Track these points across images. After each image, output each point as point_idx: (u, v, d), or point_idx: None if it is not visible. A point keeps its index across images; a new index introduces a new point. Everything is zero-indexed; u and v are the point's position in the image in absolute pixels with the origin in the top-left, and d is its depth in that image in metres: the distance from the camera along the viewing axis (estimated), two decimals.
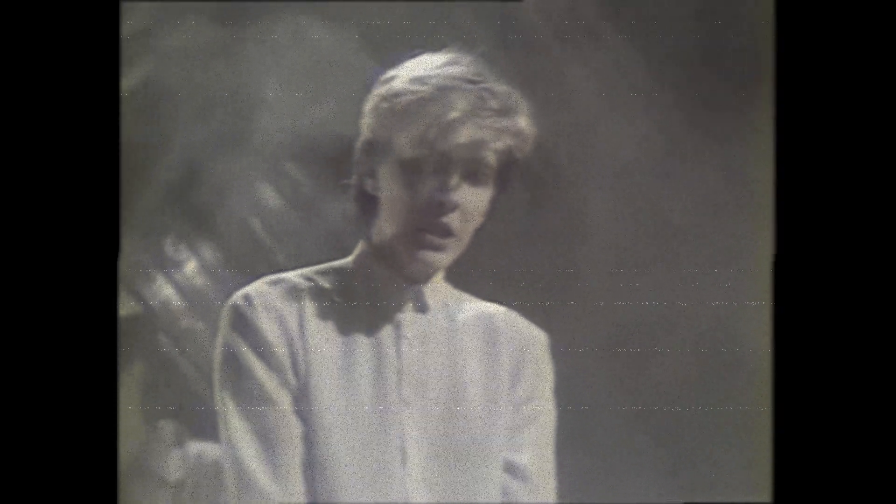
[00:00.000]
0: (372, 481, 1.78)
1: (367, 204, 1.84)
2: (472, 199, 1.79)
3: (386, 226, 1.81)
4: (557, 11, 2.08)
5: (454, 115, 1.75)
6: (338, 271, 1.86)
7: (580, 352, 1.98)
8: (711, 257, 2.08)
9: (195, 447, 2.10)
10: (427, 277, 1.84)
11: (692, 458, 2.10)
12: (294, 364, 1.80)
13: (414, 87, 1.77)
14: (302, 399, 1.79)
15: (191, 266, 2.14)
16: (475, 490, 1.82)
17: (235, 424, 1.78)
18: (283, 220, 2.16)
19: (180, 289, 2.12)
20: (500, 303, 1.91)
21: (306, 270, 1.86)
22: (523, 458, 1.85)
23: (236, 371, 1.79)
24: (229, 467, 1.77)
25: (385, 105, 1.80)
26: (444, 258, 1.81)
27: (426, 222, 1.78)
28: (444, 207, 1.77)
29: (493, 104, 1.76)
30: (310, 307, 1.82)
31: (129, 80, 2.03)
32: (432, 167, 1.77)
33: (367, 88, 1.82)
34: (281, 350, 1.79)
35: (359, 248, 1.87)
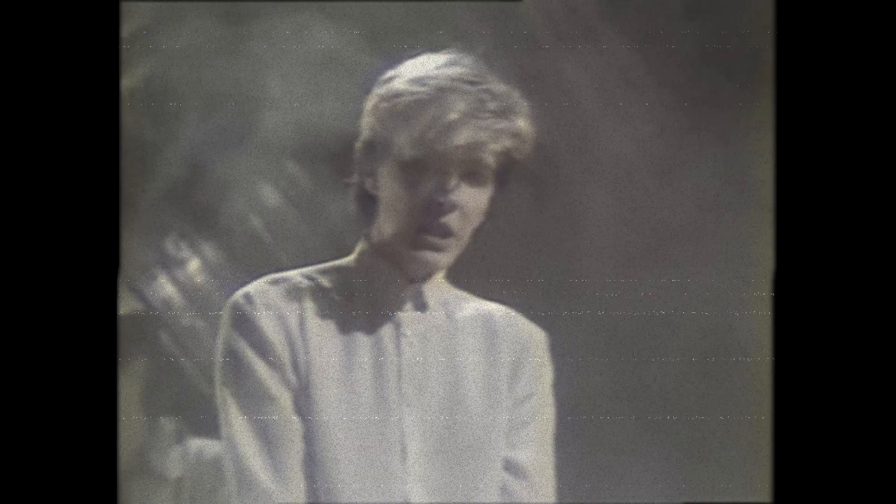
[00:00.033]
0: (372, 479, 1.79)
1: (368, 203, 1.84)
2: (472, 200, 1.79)
3: (386, 225, 1.81)
4: (557, 11, 2.08)
5: (453, 116, 1.75)
6: (339, 270, 1.87)
7: (580, 350, 1.99)
8: (711, 257, 2.08)
9: (195, 444, 2.11)
10: (427, 277, 1.85)
11: (692, 458, 2.10)
12: (294, 363, 1.80)
13: (413, 88, 1.78)
14: (302, 397, 1.79)
15: (192, 264, 2.14)
16: (474, 488, 1.83)
17: (236, 423, 1.78)
18: (285, 219, 2.16)
19: (182, 287, 2.13)
20: (500, 302, 1.91)
21: (307, 269, 1.87)
22: (523, 457, 1.85)
23: (237, 369, 1.80)
24: (230, 465, 1.78)
25: (385, 105, 1.80)
26: (443, 258, 1.81)
27: (426, 222, 1.78)
28: (444, 208, 1.77)
29: (493, 106, 1.77)
30: (310, 306, 1.83)
31: (131, 79, 2.03)
32: (431, 168, 1.77)
33: (367, 88, 1.82)
34: (281, 349, 1.80)
35: (359, 247, 1.87)
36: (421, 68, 1.80)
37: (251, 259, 2.09)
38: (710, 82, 2.06)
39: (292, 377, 1.80)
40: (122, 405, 1.96)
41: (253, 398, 1.79)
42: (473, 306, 1.90)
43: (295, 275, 1.86)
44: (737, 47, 2.04)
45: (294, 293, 1.83)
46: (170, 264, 2.13)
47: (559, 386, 1.90)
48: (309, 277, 1.85)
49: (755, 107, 2.02)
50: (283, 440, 1.77)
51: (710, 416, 2.08)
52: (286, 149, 2.13)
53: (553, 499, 1.87)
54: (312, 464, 1.78)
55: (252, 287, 1.83)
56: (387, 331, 1.84)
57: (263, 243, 2.15)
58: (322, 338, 1.81)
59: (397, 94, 1.79)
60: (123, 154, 1.98)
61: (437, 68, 1.79)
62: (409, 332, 1.84)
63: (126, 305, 2.07)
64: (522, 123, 1.79)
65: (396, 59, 1.82)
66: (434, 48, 1.81)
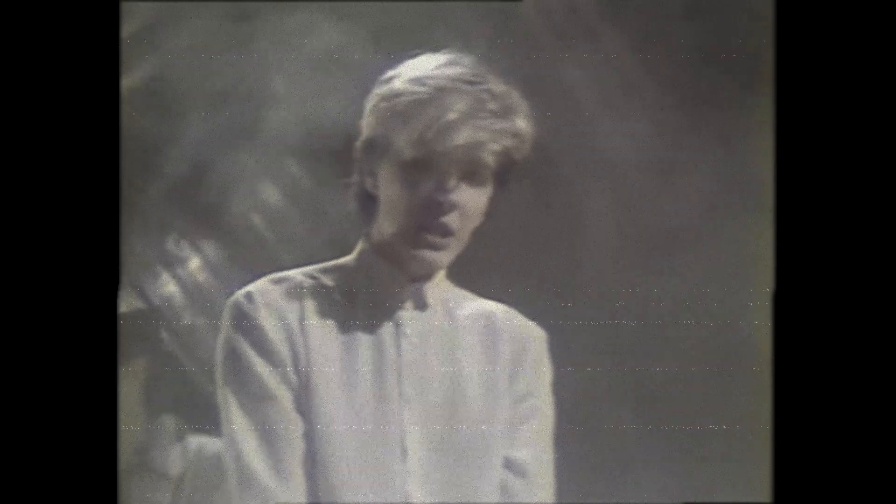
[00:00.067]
0: (372, 478, 1.79)
1: (368, 203, 1.84)
2: (471, 199, 1.79)
3: (386, 225, 1.82)
4: (557, 11, 2.08)
5: (452, 116, 1.75)
6: (340, 269, 1.87)
7: (579, 349, 1.99)
8: (711, 257, 2.08)
9: (196, 441, 2.11)
10: (427, 276, 1.85)
11: (692, 458, 2.10)
12: (295, 361, 1.80)
13: (413, 88, 1.78)
14: (303, 396, 1.80)
15: (194, 263, 2.15)
16: (475, 486, 1.83)
17: (237, 421, 1.78)
18: (287, 218, 2.16)
19: (183, 285, 2.13)
20: (501, 300, 1.91)
21: (309, 269, 1.87)
22: (522, 455, 1.86)
23: (238, 368, 1.80)
24: (230, 464, 1.78)
25: (384, 105, 1.80)
26: (443, 257, 1.82)
27: (425, 222, 1.78)
28: (443, 207, 1.77)
29: (492, 106, 1.77)
30: (311, 305, 1.83)
31: (133, 77, 2.03)
32: (431, 167, 1.77)
33: (371, 87, 1.83)
34: (282, 348, 1.80)
35: (359, 246, 1.87)
36: (420, 68, 1.80)
37: (252, 258, 2.10)
38: (710, 82, 2.05)
39: (293, 376, 1.80)
40: (123, 403, 1.96)
41: (254, 397, 1.79)
42: (474, 305, 1.90)
43: (297, 274, 1.86)
44: (737, 47, 2.03)
45: (296, 292, 1.83)
46: (171, 263, 2.14)
47: (559, 385, 1.90)
48: (311, 276, 1.86)
49: (755, 107, 2.02)
50: (283, 439, 1.78)
51: (709, 415, 2.08)
52: (288, 148, 2.13)
53: (553, 497, 1.87)
54: (313, 462, 1.78)
55: (254, 286, 1.83)
56: (387, 330, 1.84)
57: (265, 242, 2.15)
58: (323, 337, 1.82)
59: (397, 94, 1.79)
60: (125, 153, 1.98)
61: (437, 68, 1.79)
62: (409, 331, 1.84)
63: (127, 303, 2.07)
64: (522, 123, 1.79)
65: (400, 59, 1.82)
66: (436, 48, 1.81)
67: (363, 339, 1.83)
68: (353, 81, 1.90)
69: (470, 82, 1.77)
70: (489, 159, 1.78)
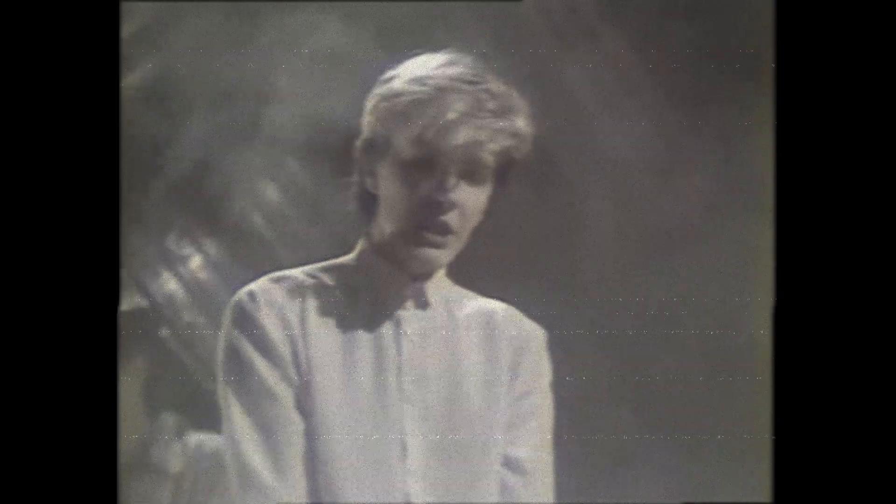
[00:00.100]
0: (372, 476, 1.79)
1: (368, 202, 1.85)
2: (471, 198, 1.80)
3: (386, 224, 1.82)
4: (557, 11, 2.08)
5: (452, 116, 1.76)
6: (340, 268, 1.88)
7: (579, 348, 1.99)
8: (711, 257, 2.08)
9: (195, 438, 2.11)
10: (427, 274, 1.85)
11: (692, 458, 2.10)
12: (296, 360, 1.81)
13: (413, 88, 1.79)
14: (303, 395, 1.80)
15: (195, 261, 2.15)
16: (474, 484, 1.83)
17: (237, 420, 1.79)
18: (287, 217, 2.16)
19: (184, 283, 2.14)
20: (501, 299, 1.91)
21: (310, 267, 1.88)
22: (522, 453, 1.86)
23: (239, 367, 1.81)
24: (231, 462, 1.79)
25: (384, 105, 1.81)
26: (443, 256, 1.82)
27: (425, 221, 1.79)
28: (443, 206, 1.78)
29: (491, 105, 1.77)
30: (312, 304, 1.84)
31: (134, 76, 2.04)
32: (431, 167, 1.78)
33: (368, 86, 1.83)
34: (283, 346, 1.81)
35: (359, 245, 1.88)
36: (420, 68, 1.81)
37: (253, 257, 2.10)
38: (711, 82, 2.05)
39: (293, 374, 1.81)
40: (123, 400, 1.97)
41: (254, 395, 1.79)
42: (474, 304, 1.90)
43: (297, 273, 1.87)
44: (737, 47, 2.03)
45: (297, 291, 1.84)
46: (172, 261, 2.14)
47: (559, 385, 1.90)
48: (311, 275, 1.86)
49: (755, 106, 2.02)
50: (284, 437, 1.78)
51: (709, 414, 2.07)
52: (290, 147, 2.13)
53: (552, 495, 1.87)
54: (313, 460, 1.79)
55: (256, 285, 1.84)
56: (387, 328, 1.84)
57: (266, 241, 2.15)
58: (323, 335, 1.82)
59: (397, 94, 1.80)
60: (125, 151, 1.99)
61: (437, 68, 1.80)
62: (409, 330, 1.84)
63: (128, 301, 2.08)
64: (521, 123, 1.80)
65: (400, 59, 1.82)
66: (436, 48, 1.82)
67: (363, 337, 1.83)
68: (354, 81, 1.90)
69: (470, 82, 1.78)
70: (489, 159, 1.78)
